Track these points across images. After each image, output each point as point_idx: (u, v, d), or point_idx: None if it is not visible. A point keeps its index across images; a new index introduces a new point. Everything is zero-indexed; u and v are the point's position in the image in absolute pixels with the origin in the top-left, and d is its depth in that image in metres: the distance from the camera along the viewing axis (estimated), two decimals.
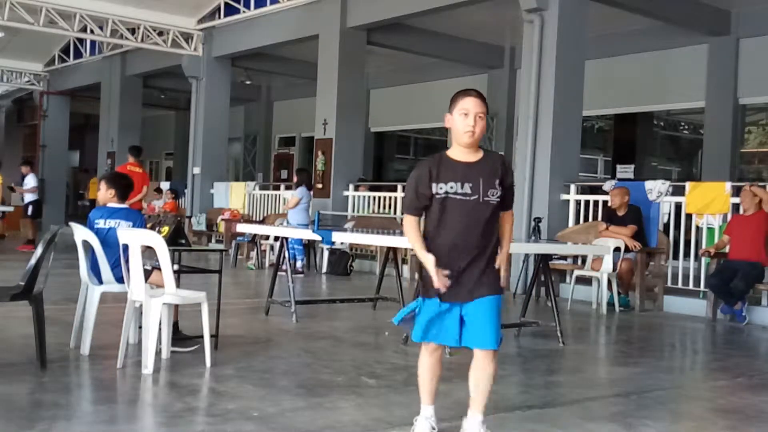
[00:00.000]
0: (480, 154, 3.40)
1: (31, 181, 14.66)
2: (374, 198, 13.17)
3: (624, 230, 8.83)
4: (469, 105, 3.35)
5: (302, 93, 18.82)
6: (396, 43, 14.21)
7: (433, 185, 3.33)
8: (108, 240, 5.17)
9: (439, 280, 3.29)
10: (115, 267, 5.15)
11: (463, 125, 3.34)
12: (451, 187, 3.31)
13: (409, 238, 3.44)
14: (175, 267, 5.44)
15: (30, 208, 14.66)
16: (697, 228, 9.02)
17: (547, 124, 10.02)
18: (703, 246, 8.76)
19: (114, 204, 5.37)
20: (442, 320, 3.39)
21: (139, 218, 5.36)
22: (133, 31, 16.23)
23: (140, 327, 5.06)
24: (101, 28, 15.97)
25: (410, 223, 3.44)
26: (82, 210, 24.95)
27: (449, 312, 3.38)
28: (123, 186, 5.45)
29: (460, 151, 3.39)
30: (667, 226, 9.38)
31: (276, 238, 9.78)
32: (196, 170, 16.97)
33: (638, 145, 15.10)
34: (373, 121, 18.42)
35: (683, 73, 13.33)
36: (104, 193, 5.40)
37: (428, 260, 3.33)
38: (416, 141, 20.37)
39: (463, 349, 3.46)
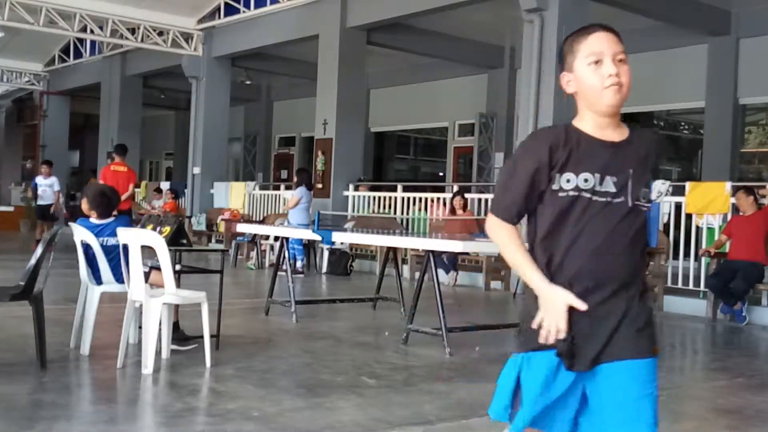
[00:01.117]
0: (625, 130, 2.16)
1: (56, 183, 14.61)
2: (374, 198, 13.18)
3: None
4: (601, 45, 2.13)
5: (302, 93, 18.84)
6: (396, 43, 14.22)
7: (557, 177, 2.06)
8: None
9: (561, 325, 2.03)
10: (114, 273, 5.15)
11: (598, 78, 2.09)
12: (586, 182, 2.05)
13: (509, 254, 2.16)
14: (178, 267, 5.44)
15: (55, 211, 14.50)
16: (697, 228, 9.03)
17: (547, 125, 10.01)
18: (703, 246, 8.77)
19: (96, 220, 5.26)
20: (554, 393, 2.08)
21: (128, 226, 5.23)
22: (133, 31, 16.23)
23: (140, 327, 5.06)
24: (101, 28, 15.98)
25: (506, 233, 2.15)
26: (73, 210, 24.96)
27: (567, 381, 2.08)
28: (104, 206, 5.28)
29: (595, 122, 2.12)
30: (667, 226, 9.39)
31: (276, 238, 9.79)
32: (196, 170, 16.97)
33: None
34: (373, 121, 18.43)
35: (683, 73, 13.33)
36: (86, 209, 5.33)
37: (552, 292, 2.06)
38: (416, 141, 20.39)
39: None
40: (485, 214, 11.49)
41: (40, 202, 14.37)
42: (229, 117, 17.51)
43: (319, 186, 13.41)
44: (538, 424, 2.11)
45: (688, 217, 9.11)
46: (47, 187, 14.32)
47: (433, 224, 10.99)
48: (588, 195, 2.06)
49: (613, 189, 2.06)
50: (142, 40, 16.24)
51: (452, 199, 11.18)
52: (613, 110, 2.12)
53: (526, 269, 2.11)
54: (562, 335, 2.03)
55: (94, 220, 5.28)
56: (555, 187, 2.07)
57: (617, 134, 2.13)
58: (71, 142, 24.20)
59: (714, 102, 12.83)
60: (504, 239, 2.15)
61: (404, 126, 19.24)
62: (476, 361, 5.59)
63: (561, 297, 2.04)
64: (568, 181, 2.06)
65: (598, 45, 2.13)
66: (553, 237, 2.09)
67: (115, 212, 5.49)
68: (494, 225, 2.17)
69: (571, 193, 2.05)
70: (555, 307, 2.04)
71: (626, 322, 2.09)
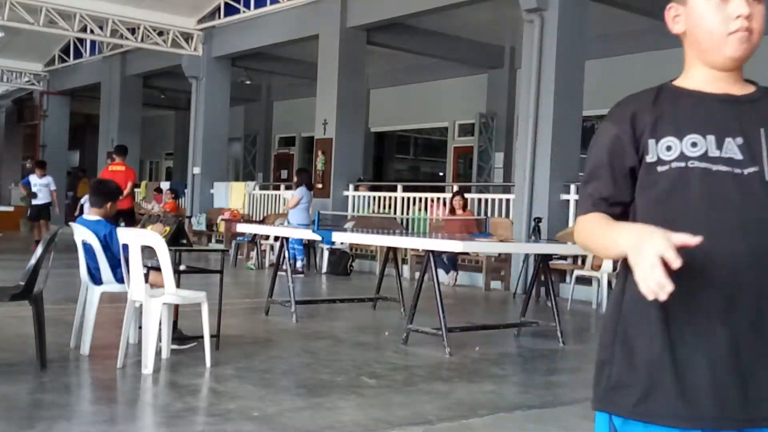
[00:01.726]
0: (751, 86, 1.58)
1: (52, 183, 14.64)
2: (374, 198, 13.19)
3: None
4: None
5: (302, 93, 18.84)
6: (396, 43, 14.22)
7: (650, 143, 1.51)
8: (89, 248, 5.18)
9: (658, 277, 1.29)
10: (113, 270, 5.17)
11: (721, 19, 1.51)
12: (694, 146, 1.48)
13: (590, 237, 1.54)
14: (182, 267, 5.45)
15: (51, 211, 14.55)
16: None
17: (547, 124, 10.02)
18: None
19: (89, 216, 5.32)
20: None
21: (105, 230, 5.15)
22: (133, 31, 16.24)
23: (140, 327, 5.06)
24: (101, 28, 15.98)
25: (584, 219, 1.57)
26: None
27: None
28: (99, 194, 5.37)
29: (706, 76, 1.57)
30: None
31: (276, 238, 9.79)
32: (196, 170, 16.98)
33: None
34: (373, 121, 18.43)
35: None
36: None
37: (648, 234, 1.35)
38: (416, 141, 20.39)
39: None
40: (485, 214, 11.51)
41: (34, 201, 14.36)
42: (229, 117, 17.52)
43: (319, 186, 13.41)
44: None
45: None
46: (42, 187, 14.32)
47: (433, 224, 10.99)
48: (701, 164, 1.46)
49: (739, 155, 1.48)
50: (142, 40, 16.24)
51: (452, 199, 11.18)
52: (735, 64, 1.55)
53: (606, 233, 1.46)
54: (668, 288, 1.28)
55: (86, 216, 5.35)
56: (651, 158, 1.50)
57: (737, 88, 1.56)
58: (71, 142, 24.21)
59: None
60: (582, 227, 1.56)
61: (404, 126, 19.24)
62: (476, 361, 5.59)
63: (656, 234, 1.34)
64: (668, 148, 1.49)
65: None
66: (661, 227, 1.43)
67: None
68: (576, 225, 1.60)
69: (675, 164, 1.47)
70: (648, 248, 1.32)
71: None
